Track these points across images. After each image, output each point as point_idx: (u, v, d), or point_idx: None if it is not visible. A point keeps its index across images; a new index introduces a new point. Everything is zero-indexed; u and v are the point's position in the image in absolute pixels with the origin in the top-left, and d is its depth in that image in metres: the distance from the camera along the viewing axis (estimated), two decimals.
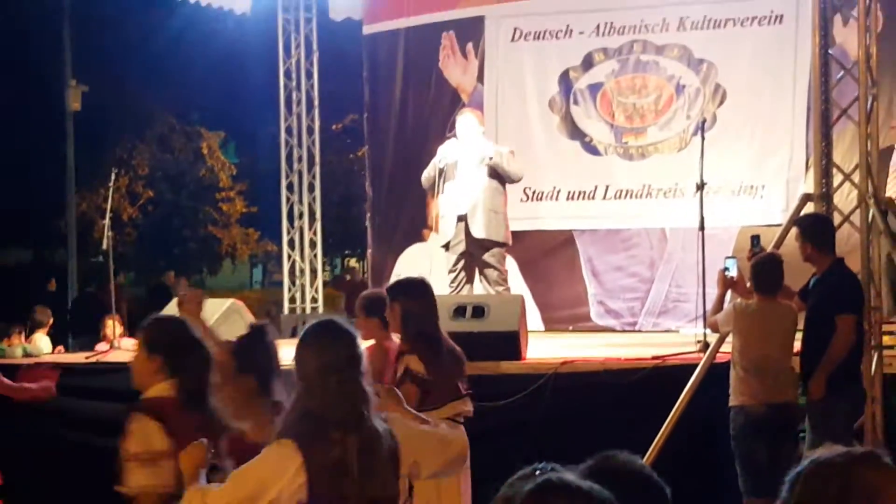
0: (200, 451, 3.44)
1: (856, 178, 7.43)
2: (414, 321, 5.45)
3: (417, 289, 5.59)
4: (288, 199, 13.83)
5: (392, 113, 12.82)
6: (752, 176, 10.67)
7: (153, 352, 4.07)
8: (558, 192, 11.60)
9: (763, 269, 6.57)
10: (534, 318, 10.84)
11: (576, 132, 11.59)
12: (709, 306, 7.36)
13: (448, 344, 5.57)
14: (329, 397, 3.28)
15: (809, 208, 7.53)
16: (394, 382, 5.20)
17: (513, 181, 9.34)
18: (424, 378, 5.28)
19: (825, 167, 7.54)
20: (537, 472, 1.82)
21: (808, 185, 8.57)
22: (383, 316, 5.66)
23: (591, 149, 11.54)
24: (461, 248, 9.13)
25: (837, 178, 7.60)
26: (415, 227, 12.50)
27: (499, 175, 9.09)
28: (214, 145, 25.86)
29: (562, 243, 11.73)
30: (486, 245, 9.10)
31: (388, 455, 3.34)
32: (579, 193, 11.51)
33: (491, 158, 9.00)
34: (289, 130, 13.82)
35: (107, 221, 11.02)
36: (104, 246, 10.84)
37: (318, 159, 13.94)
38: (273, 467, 3.25)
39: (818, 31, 7.59)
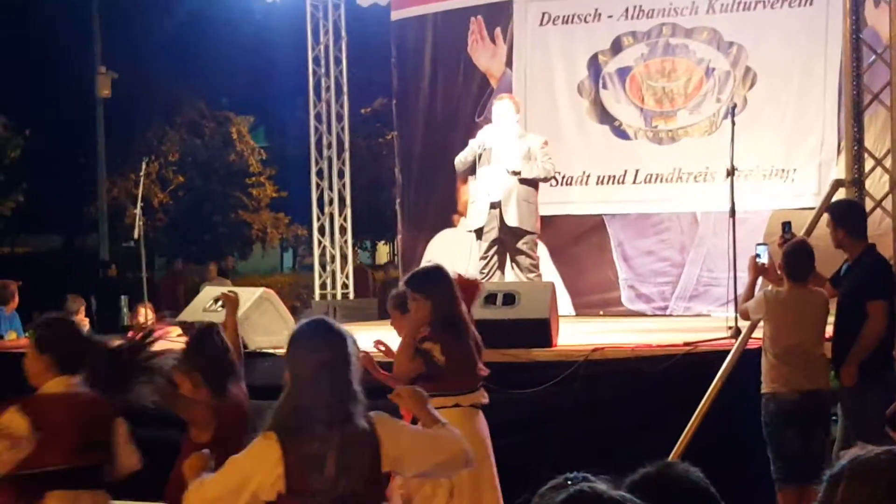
0: (202, 460, 3.55)
1: (888, 163, 7.38)
2: (437, 309, 5.48)
3: (434, 277, 5.62)
4: (318, 186, 13.81)
5: (421, 98, 12.82)
6: (783, 159, 10.59)
7: (42, 352, 4.38)
8: (588, 176, 11.56)
9: (794, 255, 6.52)
10: (564, 302, 10.83)
11: (605, 116, 11.55)
12: (740, 290, 7.33)
13: (471, 331, 5.61)
14: (318, 395, 3.37)
15: (841, 194, 7.48)
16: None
17: (544, 182, 9.36)
18: (439, 365, 5.35)
19: (857, 152, 7.49)
20: (569, 483, 1.81)
21: (840, 170, 8.50)
22: None
23: (621, 133, 11.50)
24: (493, 235, 9.13)
25: (869, 164, 7.55)
26: (445, 212, 12.51)
27: None
28: (244, 130, 25.88)
29: (592, 228, 11.71)
30: (519, 233, 9.10)
31: (367, 452, 3.40)
32: (609, 178, 11.48)
33: (518, 173, 9.00)
34: (318, 117, 13.78)
35: (138, 210, 11.08)
36: (136, 234, 10.90)
37: (347, 146, 13.90)
38: (255, 459, 3.38)
39: (849, 15, 7.52)
